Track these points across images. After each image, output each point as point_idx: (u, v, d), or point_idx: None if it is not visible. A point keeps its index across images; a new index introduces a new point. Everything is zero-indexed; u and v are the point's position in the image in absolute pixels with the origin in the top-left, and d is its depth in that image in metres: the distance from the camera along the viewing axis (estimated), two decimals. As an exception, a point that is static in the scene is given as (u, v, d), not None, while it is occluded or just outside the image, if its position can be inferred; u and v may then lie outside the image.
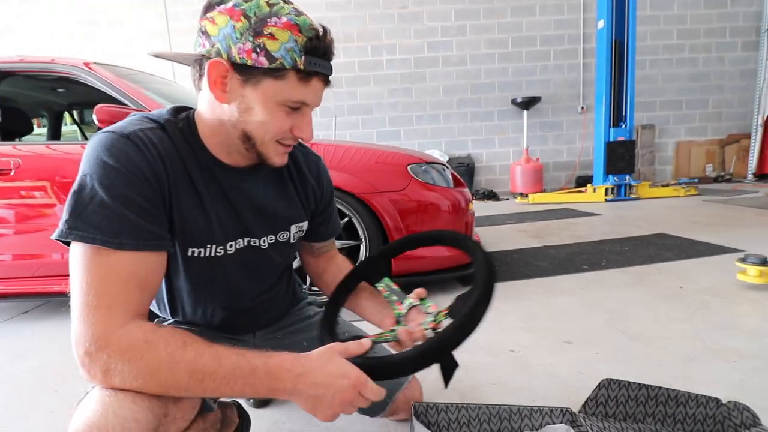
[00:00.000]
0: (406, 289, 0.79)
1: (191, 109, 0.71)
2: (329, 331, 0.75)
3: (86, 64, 1.86)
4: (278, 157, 0.67)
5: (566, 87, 5.70)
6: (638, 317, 1.56)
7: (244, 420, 0.90)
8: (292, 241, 0.81)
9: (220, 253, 0.70)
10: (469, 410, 0.89)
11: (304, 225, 0.83)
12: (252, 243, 0.75)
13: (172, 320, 0.82)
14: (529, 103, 5.44)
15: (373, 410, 0.92)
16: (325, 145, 1.88)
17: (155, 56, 0.66)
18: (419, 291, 0.76)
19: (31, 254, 1.81)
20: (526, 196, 5.13)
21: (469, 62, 5.61)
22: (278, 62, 0.57)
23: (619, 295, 1.80)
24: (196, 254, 0.68)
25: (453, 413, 0.89)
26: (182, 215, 0.64)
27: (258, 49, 0.57)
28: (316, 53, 0.60)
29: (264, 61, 0.57)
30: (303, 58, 0.58)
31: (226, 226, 0.70)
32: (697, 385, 1.10)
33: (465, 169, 5.57)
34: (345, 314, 0.88)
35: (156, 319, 0.84)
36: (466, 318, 0.59)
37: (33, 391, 1.30)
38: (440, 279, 2.06)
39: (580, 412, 0.90)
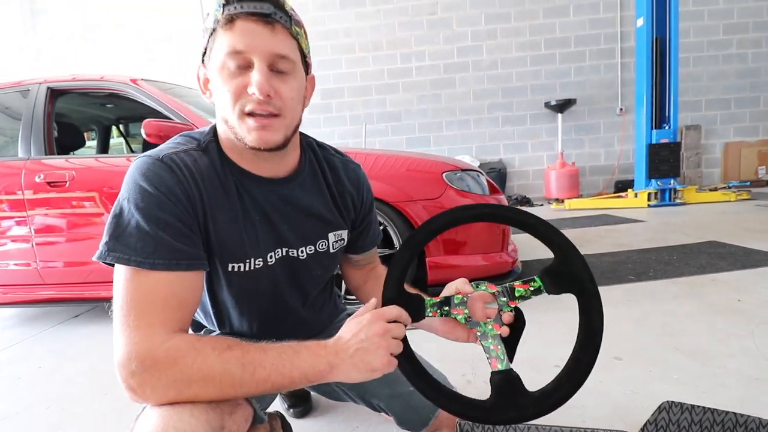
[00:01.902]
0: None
1: None
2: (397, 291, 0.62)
3: (133, 81, 1.96)
4: (251, 134, 0.60)
5: (603, 88, 5.50)
6: (693, 332, 1.45)
7: (288, 431, 0.90)
8: (332, 251, 0.80)
9: (259, 265, 0.70)
10: (517, 430, 0.85)
11: (344, 234, 0.82)
12: (290, 253, 0.75)
13: (219, 332, 0.84)
14: (563, 105, 5.28)
15: (415, 426, 0.90)
16: (358, 153, 1.89)
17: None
18: (457, 284, 0.65)
19: (81, 261, 1.91)
20: (562, 201, 4.96)
21: (500, 66, 5.53)
22: (211, 29, 0.60)
23: (670, 308, 1.69)
24: (236, 269, 0.68)
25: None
26: (219, 233, 0.65)
27: (203, 32, 0.62)
28: None
29: (206, 37, 0.61)
30: (222, 9, 0.58)
31: (263, 238, 0.70)
32: (766, 408, 1.01)
33: (497, 175, 5.47)
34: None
35: (204, 330, 0.86)
36: (596, 292, 0.56)
37: (84, 393, 1.36)
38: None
39: (637, 436, 0.84)
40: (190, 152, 0.64)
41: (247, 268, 0.69)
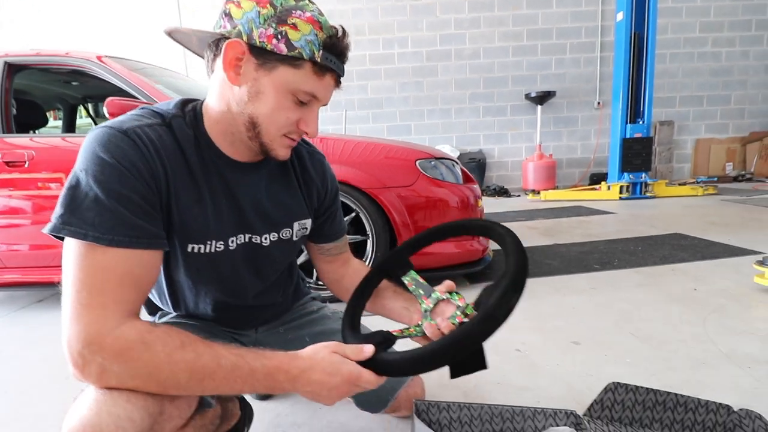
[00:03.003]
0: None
1: (199, 101, 0.70)
2: (351, 327, 0.72)
3: (99, 58, 1.88)
4: (282, 150, 0.66)
5: (582, 81, 5.59)
6: (650, 319, 1.52)
7: (247, 413, 0.91)
8: (294, 239, 0.81)
9: (220, 248, 0.70)
10: (471, 409, 0.88)
11: (308, 223, 0.82)
12: (253, 240, 0.75)
13: (174, 314, 0.83)
14: (543, 97, 5.35)
15: (374, 407, 0.92)
16: (334, 139, 1.87)
17: (169, 33, 0.64)
18: (448, 284, 0.72)
19: (45, 244, 1.85)
20: (538, 193, 5.06)
21: (483, 56, 5.54)
22: (297, 51, 0.58)
23: (630, 295, 1.76)
24: (195, 250, 0.68)
25: (455, 412, 0.88)
26: (181, 212, 0.64)
27: (279, 36, 0.58)
28: (333, 51, 0.61)
29: (283, 48, 0.58)
30: (321, 52, 0.60)
31: (227, 222, 0.70)
32: (708, 390, 1.07)
33: (476, 165, 5.52)
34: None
35: (159, 312, 0.85)
36: (492, 309, 0.53)
37: (45, 379, 1.33)
38: (447, 276, 2.05)
39: (585, 415, 0.88)
40: (154, 127, 0.62)
41: (207, 250, 0.69)
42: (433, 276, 2.06)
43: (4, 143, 1.81)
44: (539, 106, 5.45)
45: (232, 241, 0.72)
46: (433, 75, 5.56)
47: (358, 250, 1.85)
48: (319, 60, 0.60)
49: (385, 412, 0.93)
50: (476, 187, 2.16)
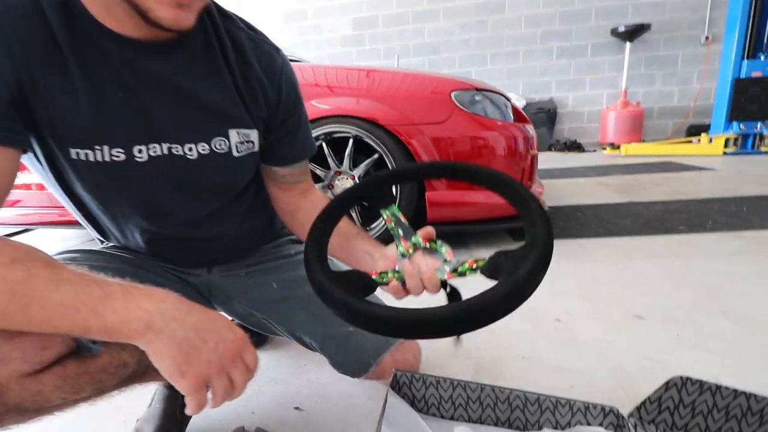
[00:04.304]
0: (448, 240, 0.58)
1: None
2: (320, 260, 0.51)
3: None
4: (165, 9, 0.46)
5: (687, 10, 4.56)
6: (748, 294, 1.15)
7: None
8: (236, 154, 0.62)
9: (119, 158, 0.54)
10: (468, 389, 0.67)
11: (252, 135, 0.63)
12: (174, 151, 0.57)
13: (110, 245, 0.71)
14: (634, 32, 4.48)
15: (354, 370, 0.75)
16: (348, 69, 1.63)
17: None
18: (429, 230, 0.55)
19: None
20: (618, 147, 4.38)
21: (561, -15, 4.74)
22: None
23: (725, 265, 1.37)
24: (82, 157, 0.52)
25: (446, 390, 0.67)
26: (47, 103, 0.48)
27: None
28: None
29: None
30: None
31: (125, 123, 0.53)
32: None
33: (545, 116, 4.90)
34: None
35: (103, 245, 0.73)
36: (523, 281, 0.41)
37: None
38: (487, 230, 1.78)
39: (631, 415, 0.63)
40: None
41: (99, 158, 0.53)
42: (471, 230, 1.82)
43: None
44: (628, 44, 4.59)
45: (141, 152, 0.55)
46: (499, 12, 4.90)
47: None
48: None
49: (367, 377, 0.76)
50: (530, 128, 1.81)
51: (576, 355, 0.93)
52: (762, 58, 3.66)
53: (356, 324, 0.46)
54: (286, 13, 5.30)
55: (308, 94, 1.60)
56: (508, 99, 1.78)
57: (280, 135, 0.66)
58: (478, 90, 1.59)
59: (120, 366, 0.56)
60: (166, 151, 0.57)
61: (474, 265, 0.48)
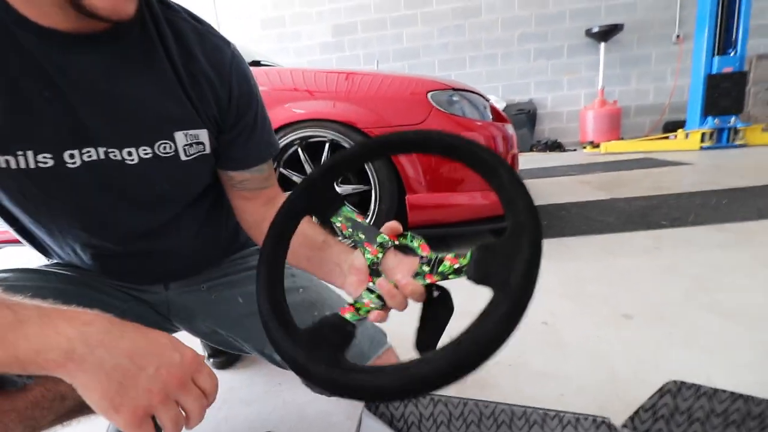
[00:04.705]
0: (430, 244, 0.48)
1: None
2: (280, 318, 0.42)
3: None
4: None
5: (658, 10, 4.66)
6: (737, 288, 1.13)
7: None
8: (184, 157, 0.56)
9: (47, 164, 0.47)
10: (450, 406, 0.61)
11: (202, 136, 0.57)
12: (112, 156, 0.51)
13: (53, 262, 0.64)
14: (608, 32, 4.55)
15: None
16: (327, 73, 1.58)
17: None
18: (393, 225, 0.48)
19: None
20: (598, 145, 4.42)
21: (535, -12, 4.80)
22: None
23: (710, 258, 1.35)
24: (2, 164, 0.46)
25: (426, 407, 0.62)
26: None
27: None
28: None
29: None
30: None
31: (52, 125, 0.47)
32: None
33: (526, 117, 4.93)
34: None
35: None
36: (522, 292, 0.33)
37: None
38: (473, 231, 1.74)
39: (625, 425, 0.58)
40: None
41: (21, 165, 0.47)
42: (453, 232, 1.78)
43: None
44: (602, 44, 4.66)
45: (72, 156, 0.49)
46: (476, 15, 4.93)
47: (362, 201, 1.59)
48: None
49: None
50: (510, 127, 1.79)
51: (564, 360, 0.88)
52: (732, 53, 3.75)
53: (348, 397, 0.37)
54: (263, 20, 5.24)
55: (284, 97, 1.55)
56: (486, 99, 1.75)
57: (233, 135, 0.60)
58: (455, 90, 1.55)
59: (56, 400, 0.49)
60: (102, 156, 0.51)
61: (456, 264, 0.41)
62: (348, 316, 0.42)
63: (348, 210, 0.49)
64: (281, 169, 1.61)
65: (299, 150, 1.57)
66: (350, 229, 0.48)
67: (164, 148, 0.54)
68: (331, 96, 1.52)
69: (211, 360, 0.98)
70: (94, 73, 0.48)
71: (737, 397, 0.54)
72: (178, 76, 0.53)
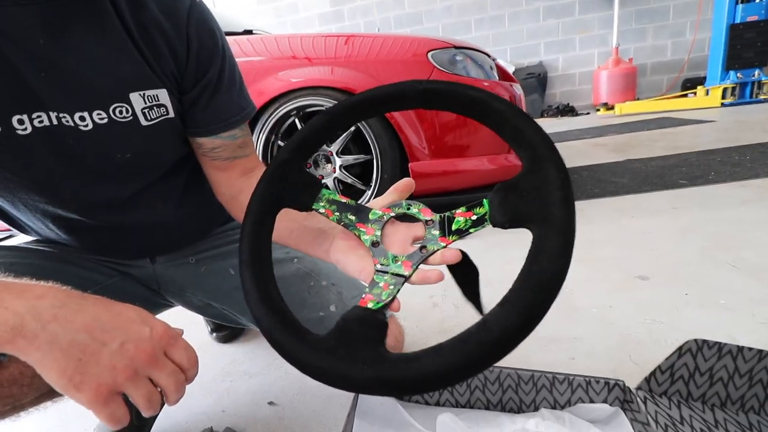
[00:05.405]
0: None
1: None
2: (282, 322, 0.35)
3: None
4: None
5: (677, -43, 4.37)
6: (759, 245, 1.07)
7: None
8: (144, 122, 0.50)
9: None
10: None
11: (162, 96, 0.51)
12: (64, 121, 0.46)
13: (32, 239, 0.61)
14: (622, -15, 4.29)
15: None
16: (325, 37, 1.51)
17: None
18: (382, 200, 0.43)
19: None
20: (612, 107, 4.24)
21: (544, -59, 4.51)
22: None
23: (731, 215, 1.28)
24: None
25: (429, 377, 0.59)
26: None
27: None
28: None
29: None
30: None
31: None
32: None
33: (536, 80, 4.74)
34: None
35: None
36: (567, 225, 0.30)
37: None
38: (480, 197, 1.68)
39: (640, 388, 0.54)
40: None
41: None
42: (461, 200, 1.73)
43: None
44: (617, -2, 4.41)
45: (21, 122, 0.45)
46: (481, -26, 4.69)
47: (365, 171, 1.54)
48: None
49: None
50: (517, 87, 1.70)
51: (575, 324, 0.85)
52: (757, 0, 3.50)
53: (411, 393, 0.33)
54: (259, -7, 5.07)
55: (279, 65, 1.48)
56: (491, 57, 1.66)
57: (195, 95, 0.54)
58: (458, 48, 1.46)
59: (36, 377, 0.47)
60: (55, 122, 0.46)
61: (472, 216, 0.36)
62: (371, 305, 0.35)
63: (329, 192, 0.43)
64: (279, 142, 1.57)
65: (296, 120, 1.51)
66: (337, 213, 0.42)
67: (120, 112, 0.49)
68: (330, 62, 1.45)
69: (214, 335, 0.97)
70: (31, 32, 0.43)
71: (765, 355, 0.49)
72: (127, 29, 0.48)
